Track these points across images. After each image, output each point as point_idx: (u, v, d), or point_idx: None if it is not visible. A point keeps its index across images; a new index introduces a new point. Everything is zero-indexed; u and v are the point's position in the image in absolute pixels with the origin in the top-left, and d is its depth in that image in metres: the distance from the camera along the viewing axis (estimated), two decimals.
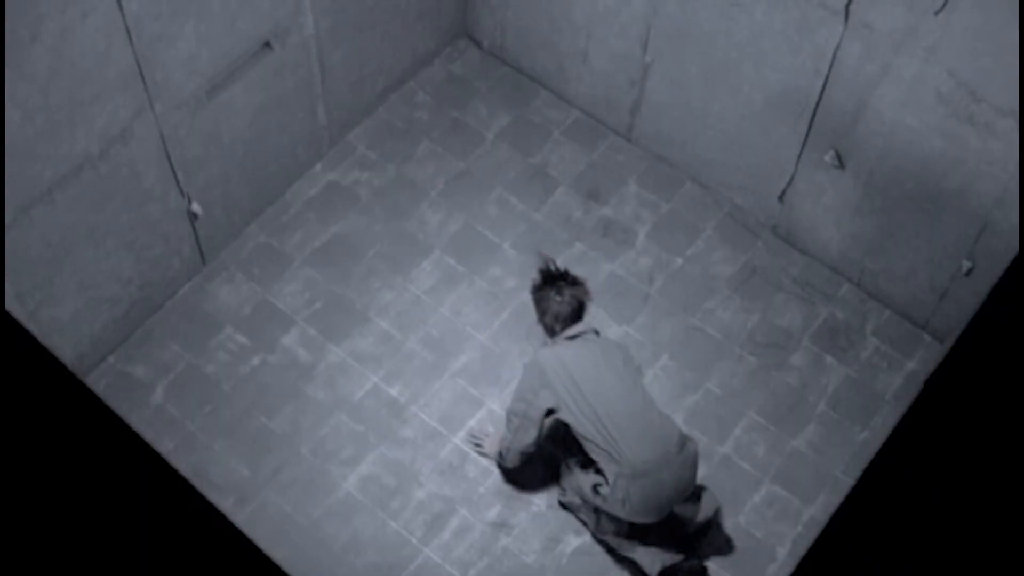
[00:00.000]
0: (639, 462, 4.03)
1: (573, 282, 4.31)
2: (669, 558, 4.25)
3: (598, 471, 4.16)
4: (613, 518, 4.26)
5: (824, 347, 4.86)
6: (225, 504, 4.37)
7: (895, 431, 1.81)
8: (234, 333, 4.77)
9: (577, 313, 4.28)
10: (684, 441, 4.14)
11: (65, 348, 4.40)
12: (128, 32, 3.85)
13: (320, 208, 5.11)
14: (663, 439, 4.09)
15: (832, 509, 1.79)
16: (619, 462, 4.04)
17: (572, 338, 4.23)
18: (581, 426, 4.09)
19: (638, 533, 4.28)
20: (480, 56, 5.59)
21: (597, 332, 4.32)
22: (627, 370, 4.19)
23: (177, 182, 4.46)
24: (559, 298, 4.24)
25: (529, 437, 4.24)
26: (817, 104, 4.51)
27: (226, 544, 1.60)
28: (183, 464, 4.38)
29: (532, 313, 4.34)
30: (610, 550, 4.36)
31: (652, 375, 4.76)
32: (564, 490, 4.42)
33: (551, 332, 4.28)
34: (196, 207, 4.59)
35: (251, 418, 4.59)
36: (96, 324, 4.50)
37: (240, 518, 4.30)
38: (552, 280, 4.30)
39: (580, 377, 4.10)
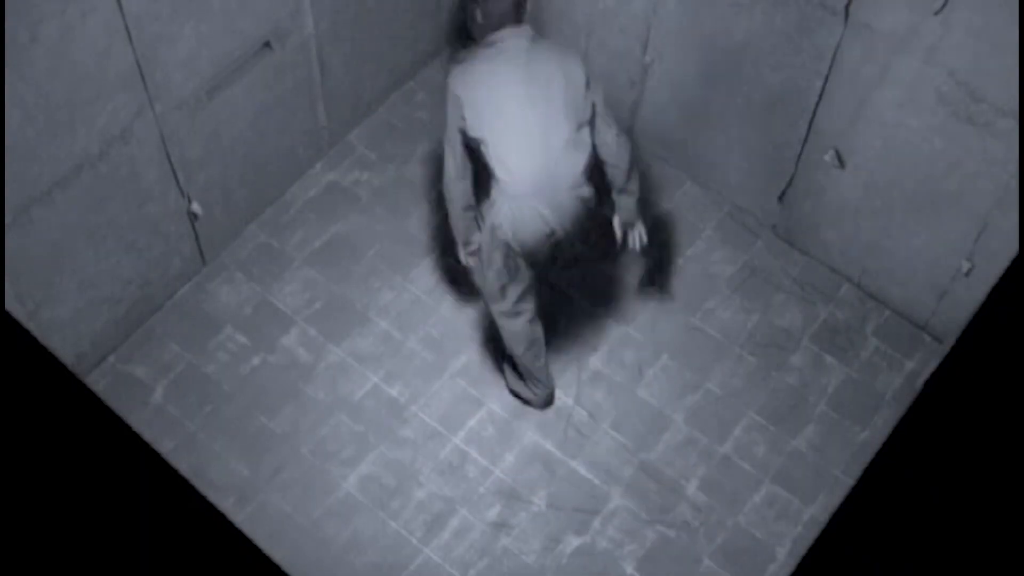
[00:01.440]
0: (521, 181, 3.91)
1: None
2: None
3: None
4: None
5: (824, 347, 4.86)
6: (225, 504, 4.37)
7: (895, 431, 1.81)
8: (234, 333, 4.77)
9: (516, 11, 3.92)
10: (582, 184, 3.99)
11: (65, 348, 4.40)
12: (128, 32, 3.85)
13: (320, 208, 5.11)
14: (555, 168, 3.93)
15: (832, 509, 1.79)
16: (504, 180, 3.92)
17: (496, 45, 3.91)
18: (484, 146, 3.93)
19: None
20: None
21: (535, 41, 3.96)
22: (551, 88, 3.90)
23: (177, 182, 4.46)
24: None
25: (454, 157, 4.04)
26: (817, 104, 4.51)
27: (226, 544, 1.60)
28: (183, 464, 4.38)
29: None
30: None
31: (652, 375, 4.76)
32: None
33: (481, 36, 3.96)
34: (196, 207, 4.59)
35: (251, 418, 4.59)
36: (96, 324, 4.50)
37: (240, 518, 4.30)
38: None
39: (489, 96, 3.88)
